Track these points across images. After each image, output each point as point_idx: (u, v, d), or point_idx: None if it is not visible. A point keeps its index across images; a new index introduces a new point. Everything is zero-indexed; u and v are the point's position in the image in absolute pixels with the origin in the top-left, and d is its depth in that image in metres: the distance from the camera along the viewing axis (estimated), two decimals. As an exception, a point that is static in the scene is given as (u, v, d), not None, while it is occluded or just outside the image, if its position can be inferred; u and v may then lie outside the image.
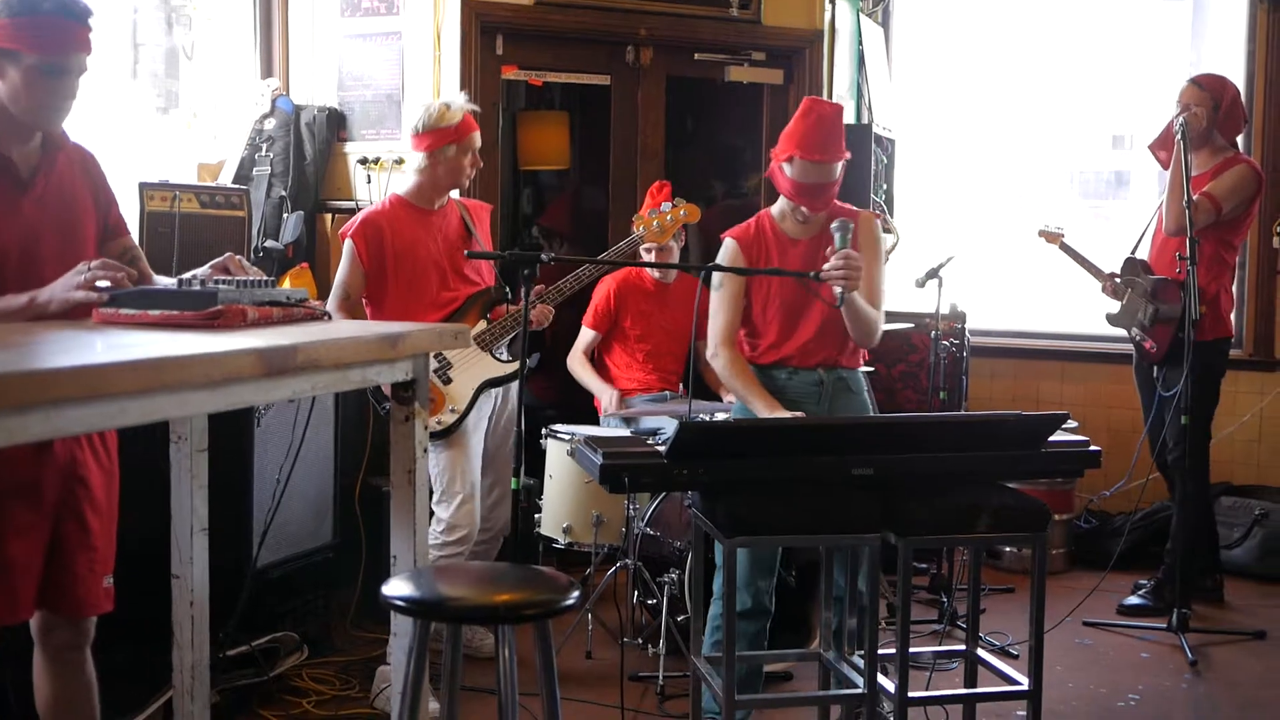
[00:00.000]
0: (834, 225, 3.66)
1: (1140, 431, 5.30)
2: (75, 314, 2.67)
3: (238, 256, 2.86)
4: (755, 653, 3.73)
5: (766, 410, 3.67)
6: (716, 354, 3.80)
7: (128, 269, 2.69)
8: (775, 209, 3.89)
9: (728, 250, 3.85)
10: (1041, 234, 5.60)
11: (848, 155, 3.77)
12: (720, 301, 3.81)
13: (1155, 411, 5.11)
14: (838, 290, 3.62)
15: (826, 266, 3.62)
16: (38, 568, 2.73)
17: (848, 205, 3.92)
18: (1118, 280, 5.30)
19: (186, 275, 2.77)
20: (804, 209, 3.75)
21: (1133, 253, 5.36)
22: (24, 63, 2.65)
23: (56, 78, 2.68)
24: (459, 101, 4.22)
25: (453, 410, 4.13)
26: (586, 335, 5.42)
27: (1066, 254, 5.50)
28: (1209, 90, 5.03)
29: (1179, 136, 4.81)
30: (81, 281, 2.61)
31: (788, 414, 3.67)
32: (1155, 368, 5.14)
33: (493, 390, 4.26)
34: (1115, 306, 5.33)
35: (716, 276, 3.82)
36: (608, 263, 4.41)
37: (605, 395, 5.25)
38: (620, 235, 5.74)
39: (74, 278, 2.62)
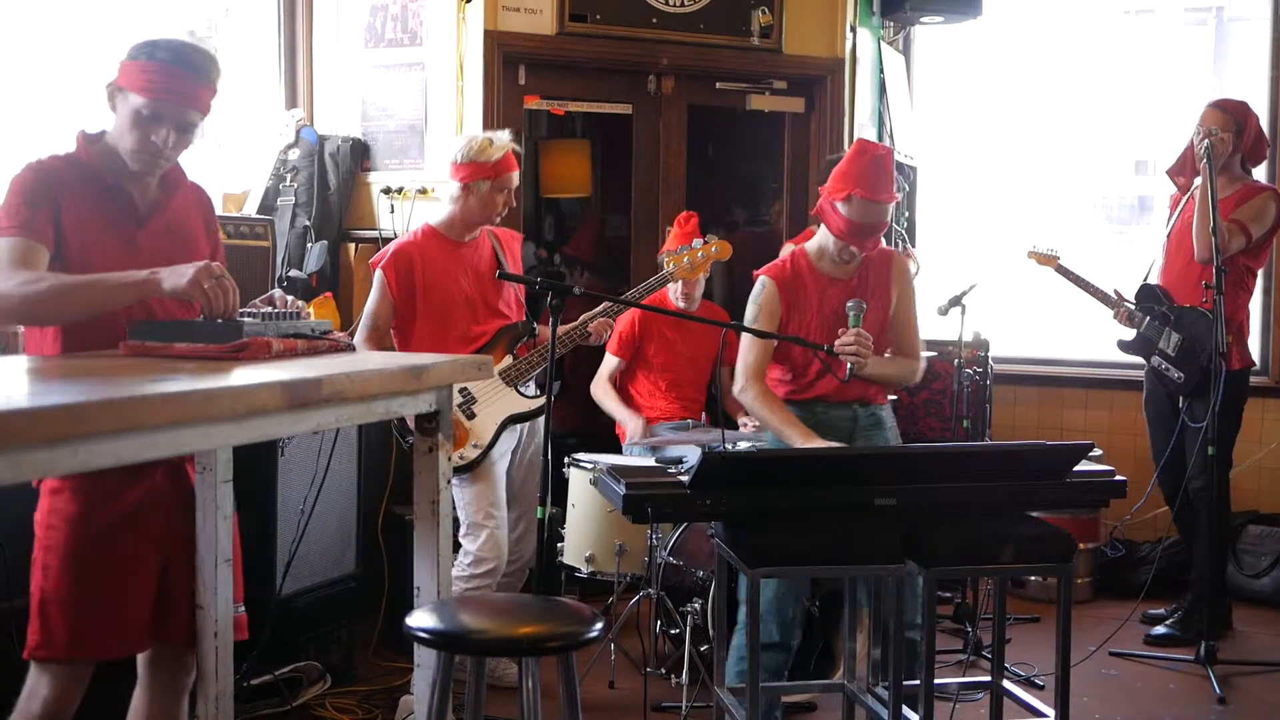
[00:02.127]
0: (849, 304, 3.70)
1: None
2: (109, 337, 2.69)
3: (283, 294, 2.87)
4: (778, 684, 3.71)
5: (803, 441, 3.65)
6: (746, 389, 3.79)
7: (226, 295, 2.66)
8: (812, 248, 3.87)
9: (764, 290, 3.82)
10: (1032, 255, 5.46)
11: (898, 197, 3.80)
12: (754, 338, 3.78)
13: (1175, 444, 5.04)
14: (849, 366, 3.67)
15: (839, 343, 3.65)
16: (149, 599, 2.77)
17: (883, 246, 3.93)
18: (1130, 307, 5.22)
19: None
20: (854, 248, 3.75)
21: (1145, 279, 5.31)
22: (130, 103, 2.72)
23: (153, 123, 2.73)
24: (502, 139, 4.21)
25: (475, 446, 4.13)
26: (610, 362, 5.43)
27: (1066, 278, 5.38)
28: (1232, 114, 5.00)
29: (1204, 161, 4.77)
30: (205, 282, 2.58)
31: (824, 444, 3.66)
32: (1181, 399, 5.08)
33: (517, 425, 4.27)
34: (1128, 333, 5.26)
35: (751, 310, 3.81)
36: (633, 304, 4.39)
37: (631, 423, 5.24)
38: (642, 263, 5.77)
39: (197, 271, 2.59)
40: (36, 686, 2.70)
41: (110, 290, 2.62)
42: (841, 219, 3.71)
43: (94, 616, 2.69)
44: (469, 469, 4.12)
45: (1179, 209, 5.18)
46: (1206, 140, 4.81)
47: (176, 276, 2.60)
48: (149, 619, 2.78)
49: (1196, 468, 4.91)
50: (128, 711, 2.96)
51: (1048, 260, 5.43)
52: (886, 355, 3.86)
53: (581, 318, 4.27)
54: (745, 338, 3.79)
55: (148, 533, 2.77)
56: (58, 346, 2.75)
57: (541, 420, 4.31)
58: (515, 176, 4.23)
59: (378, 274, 4.21)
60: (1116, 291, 5.28)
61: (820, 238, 3.84)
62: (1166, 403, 5.16)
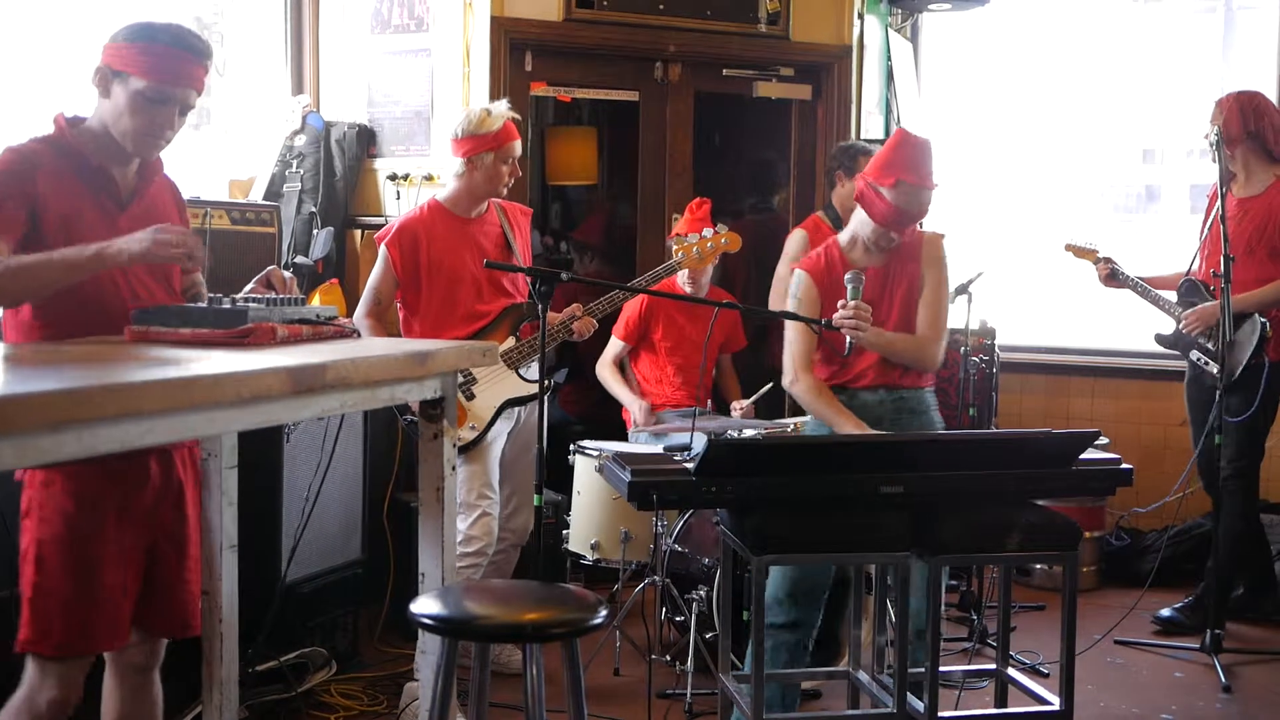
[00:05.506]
0: (847, 276, 3.68)
1: (1174, 449, 5.20)
2: (112, 323, 2.67)
3: (279, 270, 2.87)
4: (784, 670, 3.71)
5: (854, 430, 3.65)
6: (796, 379, 3.77)
7: (198, 243, 2.68)
8: (844, 238, 3.88)
9: (801, 283, 3.81)
10: (1070, 248, 5.36)
11: (938, 184, 3.82)
12: (796, 329, 3.77)
13: (1209, 434, 4.99)
14: (848, 339, 3.66)
15: (837, 316, 3.64)
16: (135, 591, 2.76)
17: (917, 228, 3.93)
18: (1175, 305, 5.09)
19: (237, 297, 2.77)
20: (893, 234, 3.76)
21: (1188, 273, 5.25)
22: (131, 86, 2.71)
23: (158, 105, 2.73)
24: (499, 109, 4.20)
25: (472, 428, 4.13)
26: (615, 345, 5.42)
27: (1111, 277, 5.21)
28: (1219, 108, 5.01)
29: (1214, 148, 4.77)
30: (158, 241, 2.58)
31: (876, 434, 3.65)
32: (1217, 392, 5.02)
33: (515, 408, 4.26)
34: (1167, 327, 5.15)
35: (791, 305, 3.79)
36: (639, 290, 4.37)
37: (635, 407, 5.24)
38: (649, 250, 5.76)
39: (149, 234, 2.60)
40: (39, 681, 2.67)
41: (69, 266, 2.58)
42: (887, 204, 3.71)
43: (89, 611, 2.66)
44: (465, 450, 4.11)
45: (1220, 202, 5.12)
46: (1213, 139, 4.81)
47: (134, 243, 2.59)
48: (132, 612, 2.76)
49: (1225, 458, 4.88)
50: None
51: (1086, 254, 5.31)
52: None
53: (566, 311, 4.25)
54: (789, 329, 3.78)
55: (138, 525, 2.75)
56: (38, 335, 2.72)
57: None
58: (517, 146, 4.21)
59: (382, 249, 4.20)
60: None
61: (854, 227, 3.84)
62: (1208, 391, 5.11)
